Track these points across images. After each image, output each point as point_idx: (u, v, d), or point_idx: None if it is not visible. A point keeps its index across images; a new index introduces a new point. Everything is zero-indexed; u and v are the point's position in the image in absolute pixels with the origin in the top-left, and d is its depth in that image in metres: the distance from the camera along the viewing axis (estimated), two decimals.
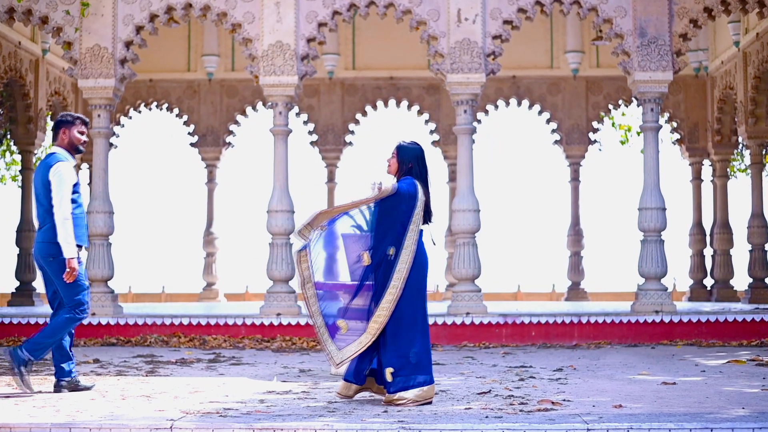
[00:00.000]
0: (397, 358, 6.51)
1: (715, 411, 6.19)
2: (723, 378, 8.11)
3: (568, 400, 6.73)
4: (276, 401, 6.77)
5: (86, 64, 12.21)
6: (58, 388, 7.32)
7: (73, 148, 7.49)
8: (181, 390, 7.38)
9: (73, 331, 7.45)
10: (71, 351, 7.41)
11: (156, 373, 8.66)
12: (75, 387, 7.35)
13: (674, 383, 7.69)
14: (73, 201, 7.29)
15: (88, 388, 7.38)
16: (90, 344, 11.61)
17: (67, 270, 7.15)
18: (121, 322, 12.00)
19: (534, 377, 8.25)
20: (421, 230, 6.69)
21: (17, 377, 7.21)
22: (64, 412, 6.25)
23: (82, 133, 7.51)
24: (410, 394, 6.48)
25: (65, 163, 7.33)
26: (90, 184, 16.42)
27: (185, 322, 12.07)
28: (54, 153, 7.42)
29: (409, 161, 6.77)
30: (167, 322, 12.06)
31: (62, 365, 7.35)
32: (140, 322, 12.03)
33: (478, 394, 7.08)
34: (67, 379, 7.33)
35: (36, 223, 7.53)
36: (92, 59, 12.20)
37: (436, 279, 18.29)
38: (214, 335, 11.90)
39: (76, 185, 7.33)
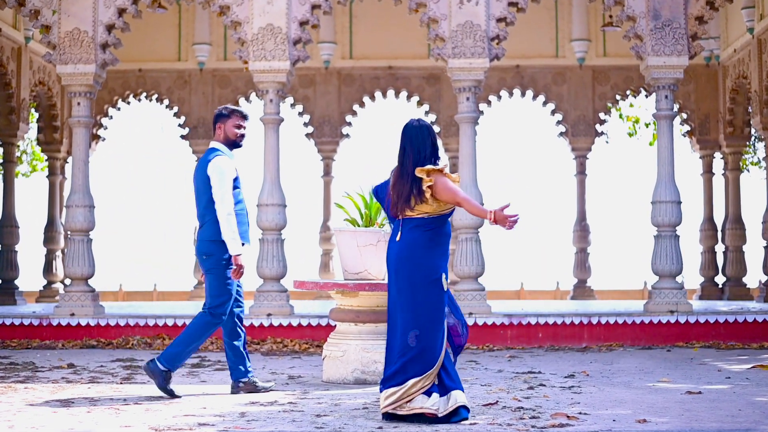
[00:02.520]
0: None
1: (752, 427, 5.49)
2: (751, 386, 7.40)
3: (585, 413, 6.03)
4: (258, 414, 6.07)
5: (65, 48, 11.48)
6: (235, 390, 7.03)
7: (230, 143, 7.18)
8: (156, 400, 6.70)
9: (244, 329, 7.14)
10: (245, 350, 7.08)
11: (132, 380, 7.95)
12: (253, 388, 7.02)
13: (699, 392, 6.99)
14: (233, 197, 6.97)
15: (267, 390, 7.06)
16: (69, 346, 10.89)
17: (234, 267, 6.90)
18: (102, 322, 11.29)
19: (544, 385, 7.54)
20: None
21: (165, 392, 6.87)
22: (19, 428, 5.55)
23: (239, 127, 7.18)
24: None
25: (224, 157, 7.02)
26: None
27: (170, 323, 11.37)
28: (213, 148, 7.12)
29: None
30: (151, 323, 11.34)
31: (239, 366, 7.02)
32: (122, 323, 11.30)
33: (484, 405, 6.38)
34: (243, 380, 7.04)
35: (197, 222, 7.17)
36: (71, 44, 11.47)
37: None
38: None
39: (236, 180, 7.02)
